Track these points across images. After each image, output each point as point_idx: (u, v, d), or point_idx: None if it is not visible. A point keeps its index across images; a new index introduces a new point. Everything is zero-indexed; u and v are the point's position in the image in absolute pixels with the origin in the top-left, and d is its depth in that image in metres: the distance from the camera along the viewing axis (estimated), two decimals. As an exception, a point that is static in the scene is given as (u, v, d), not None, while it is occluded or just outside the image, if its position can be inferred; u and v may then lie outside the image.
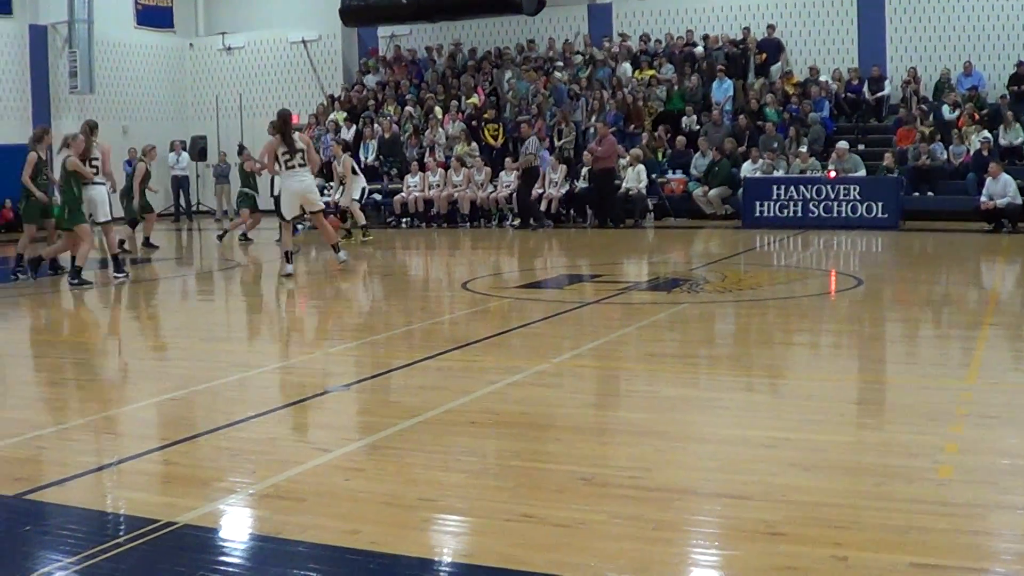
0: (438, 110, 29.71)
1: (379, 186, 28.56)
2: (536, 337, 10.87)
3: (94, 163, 17.16)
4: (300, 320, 13.77)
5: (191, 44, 37.61)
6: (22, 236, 18.09)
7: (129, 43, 35.62)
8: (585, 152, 25.73)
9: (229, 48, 36.72)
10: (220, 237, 24.38)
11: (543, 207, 25.57)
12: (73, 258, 16.44)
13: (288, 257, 16.70)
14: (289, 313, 14.40)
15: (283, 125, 16.63)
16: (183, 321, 13.91)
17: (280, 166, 16.55)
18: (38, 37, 32.91)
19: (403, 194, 27.49)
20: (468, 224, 26.56)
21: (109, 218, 17.26)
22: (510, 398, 8.04)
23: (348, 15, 31.86)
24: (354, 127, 30.48)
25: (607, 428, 7.37)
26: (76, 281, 16.17)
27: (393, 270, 18.92)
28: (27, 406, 8.71)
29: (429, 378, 8.93)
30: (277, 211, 17.20)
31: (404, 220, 27.38)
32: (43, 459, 6.94)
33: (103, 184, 17.48)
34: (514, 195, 26.06)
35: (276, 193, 17.85)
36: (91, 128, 17.57)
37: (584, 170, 25.74)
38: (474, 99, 29.74)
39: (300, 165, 16.57)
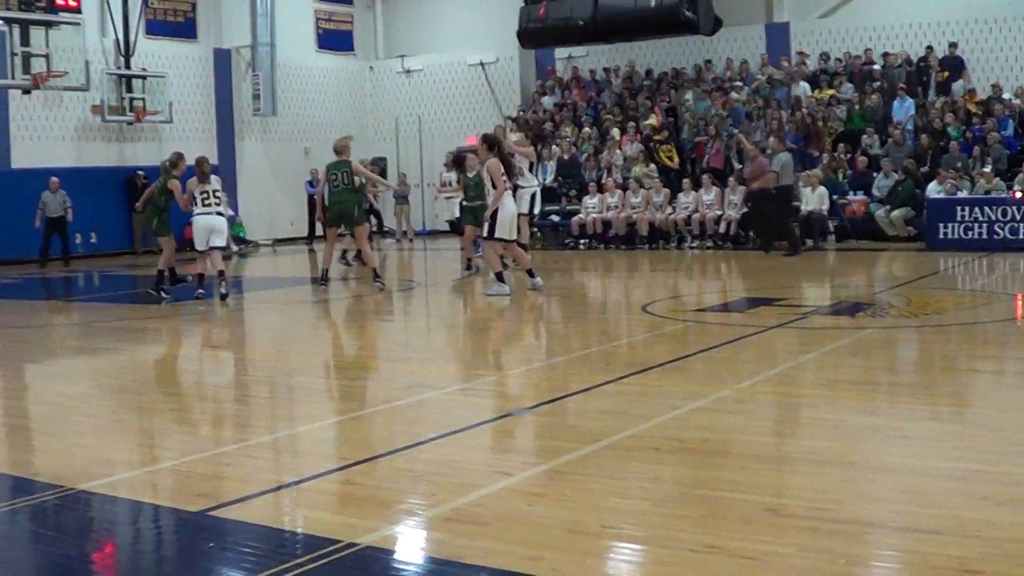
0: (615, 131, 29.67)
1: (557, 207, 28.63)
2: (717, 362, 10.73)
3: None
4: (480, 341, 13.82)
5: (371, 67, 38.21)
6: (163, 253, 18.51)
7: (310, 66, 36.33)
8: (736, 175, 25.65)
9: (408, 71, 37.22)
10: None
11: (721, 229, 25.38)
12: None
13: (501, 277, 16.71)
14: (465, 333, 14.49)
15: (500, 147, 16.79)
16: (363, 340, 14.09)
17: (506, 185, 16.62)
18: (222, 61, 33.77)
19: (581, 215, 27.51)
20: (647, 246, 26.43)
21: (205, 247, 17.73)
22: (692, 424, 7.93)
23: (526, 37, 32.01)
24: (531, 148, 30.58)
25: (790, 457, 7.20)
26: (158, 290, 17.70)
27: (571, 292, 18.91)
28: (210, 423, 8.90)
29: (609, 402, 8.86)
30: (490, 232, 16.98)
31: (582, 241, 27.38)
32: (226, 476, 7.06)
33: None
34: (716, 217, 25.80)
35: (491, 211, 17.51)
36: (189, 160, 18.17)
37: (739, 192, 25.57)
38: (652, 120, 29.63)
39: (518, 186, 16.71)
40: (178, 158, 18.11)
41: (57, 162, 28.44)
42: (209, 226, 17.45)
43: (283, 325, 15.82)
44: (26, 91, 25.37)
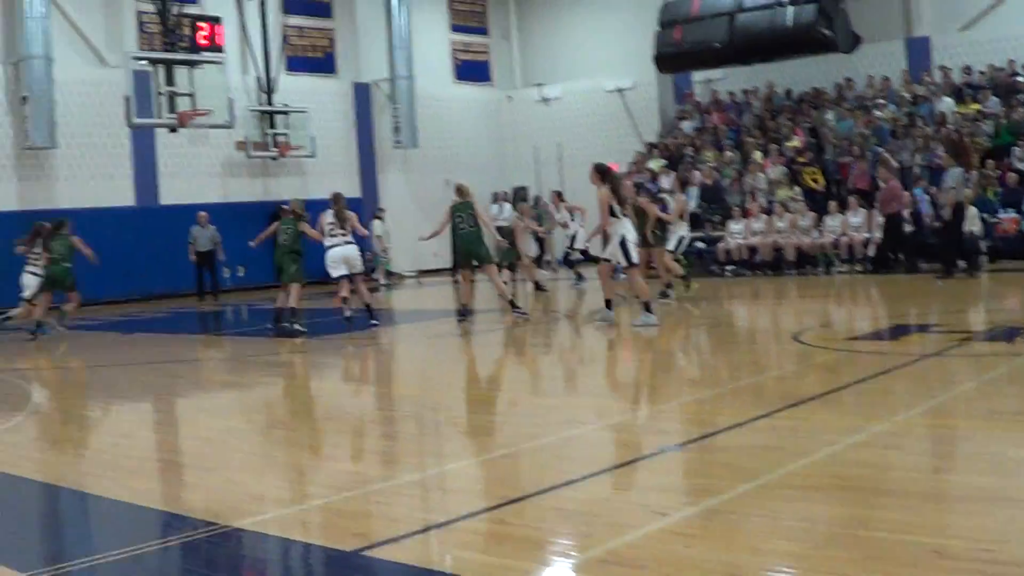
0: (758, 154, 29.37)
1: (701, 234, 28.40)
2: (872, 393, 10.43)
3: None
4: (629, 374, 13.70)
5: (509, 96, 38.40)
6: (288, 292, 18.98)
7: (449, 97, 36.63)
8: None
9: (546, 99, 37.31)
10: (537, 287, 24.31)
11: (870, 252, 24.95)
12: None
13: (648, 307, 16.66)
14: (612, 367, 14.39)
15: (613, 178, 16.77)
16: (510, 373, 14.04)
17: (617, 215, 16.60)
18: (362, 95, 34.21)
19: (726, 241, 27.25)
20: (794, 271, 26.09)
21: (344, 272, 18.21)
22: (850, 460, 7.70)
23: (663, 62, 31.84)
24: (672, 174, 30.44)
25: (952, 494, 6.91)
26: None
27: (719, 321, 18.70)
28: (359, 459, 8.90)
29: (763, 438, 8.66)
30: (626, 258, 16.98)
31: (728, 268, 27.10)
32: (376, 514, 7.07)
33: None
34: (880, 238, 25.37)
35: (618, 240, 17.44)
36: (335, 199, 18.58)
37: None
38: (794, 141, 29.28)
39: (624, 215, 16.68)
40: (302, 206, 19.12)
41: (204, 198, 29.01)
42: (342, 256, 17.71)
43: (429, 358, 15.86)
44: (172, 129, 25.89)
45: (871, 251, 25.05)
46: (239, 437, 10.14)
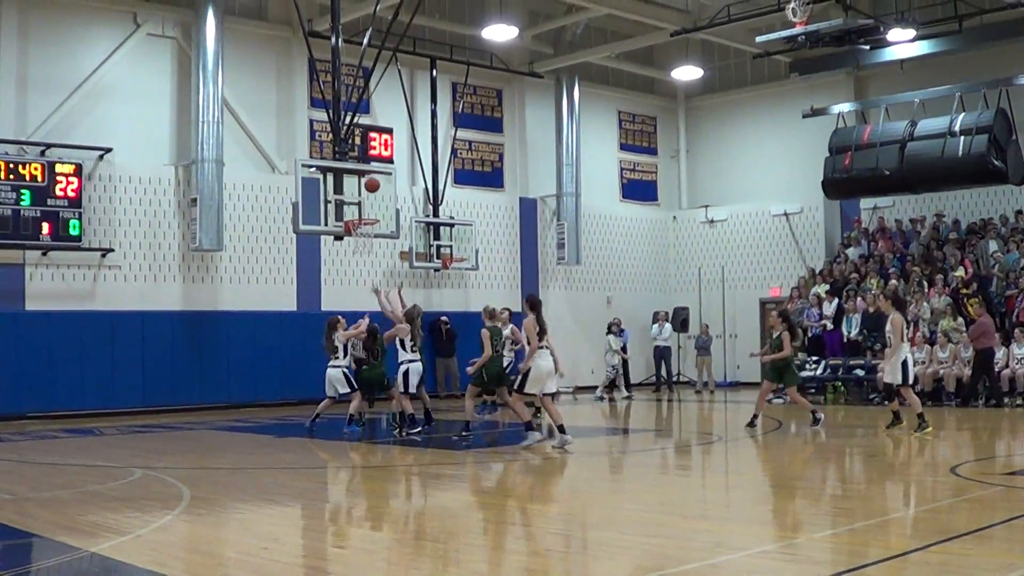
0: (926, 283, 28.97)
1: (862, 361, 28.06)
2: (1029, 531, 10.21)
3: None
4: (781, 500, 13.50)
5: (674, 217, 38.52)
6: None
7: (614, 215, 36.87)
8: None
9: (712, 220, 37.34)
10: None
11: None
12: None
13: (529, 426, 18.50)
14: (765, 492, 14.21)
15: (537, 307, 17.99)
16: (659, 495, 13.93)
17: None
18: (528, 209, 34.57)
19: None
20: (953, 402, 25.52)
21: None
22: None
23: (831, 187, 31.76)
24: (836, 301, 30.16)
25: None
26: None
27: (876, 451, 18.38)
28: (508, 575, 8.90)
29: (917, 571, 8.45)
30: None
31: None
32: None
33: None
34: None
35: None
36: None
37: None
38: (960, 272, 28.84)
39: None
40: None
41: (365, 307, 29.37)
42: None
43: (582, 476, 15.81)
44: (338, 237, 26.31)
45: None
46: (388, 547, 10.20)
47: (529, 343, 17.86)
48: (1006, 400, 25.01)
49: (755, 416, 20.40)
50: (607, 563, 9.32)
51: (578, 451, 17.73)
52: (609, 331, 32.00)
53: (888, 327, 19.21)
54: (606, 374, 31.76)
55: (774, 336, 20.67)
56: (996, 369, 25.20)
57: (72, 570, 9.26)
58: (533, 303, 17.99)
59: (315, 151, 29.75)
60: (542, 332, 17.82)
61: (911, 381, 19.39)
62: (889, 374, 19.26)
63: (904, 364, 19.11)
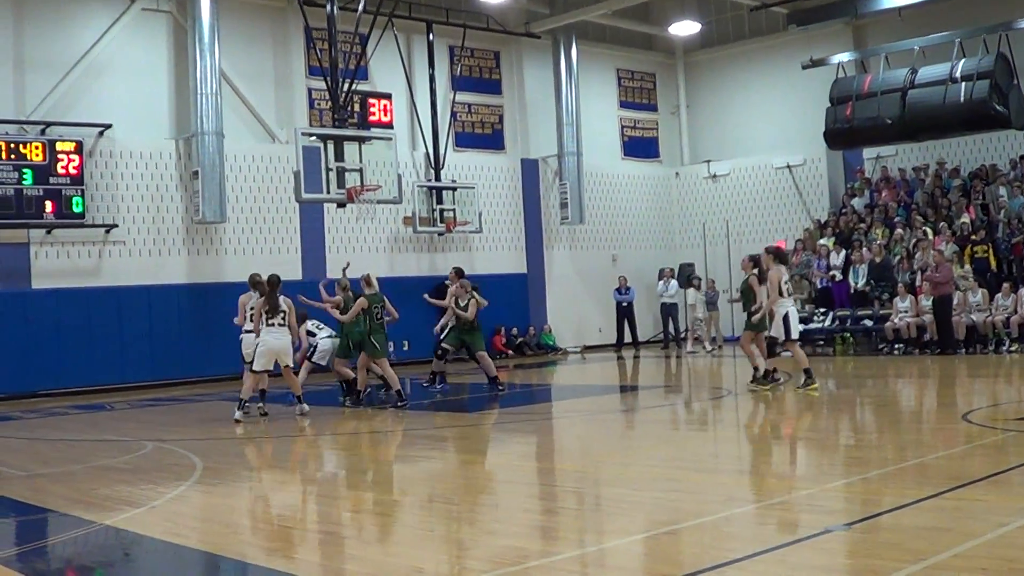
0: (928, 231, 28.90)
1: (869, 311, 28.05)
2: (1044, 474, 10.20)
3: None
4: (789, 452, 13.51)
5: (676, 173, 38.39)
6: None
7: (616, 173, 36.74)
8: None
9: (714, 175, 37.21)
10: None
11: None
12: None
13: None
14: (777, 444, 14.22)
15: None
16: (672, 450, 13.93)
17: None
18: (529, 170, 34.45)
19: (894, 320, 26.79)
20: (963, 350, 25.52)
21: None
22: (1019, 543, 7.49)
23: (832, 138, 31.63)
24: (844, 252, 30.09)
25: None
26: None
27: (885, 400, 18.38)
28: (519, 534, 8.89)
29: (930, 519, 8.45)
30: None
31: (896, 347, 26.63)
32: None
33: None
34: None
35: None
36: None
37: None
38: (965, 219, 28.75)
39: None
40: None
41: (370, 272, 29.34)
42: None
43: (594, 434, 15.81)
44: (341, 205, 26.30)
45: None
46: (401, 510, 10.22)
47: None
48: (1014, 347, 24.99)
49: (758, 369, 19.45)
50: (621, 519, 9.33)
51: (589, 409, 17.73)
52: (689, 285, 31.85)
53: (767, 283, 18.90)
54: (691, 328, 31.64)
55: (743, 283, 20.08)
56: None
57: (88, 543, 9.28)
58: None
59: (315, 119, 29.64)
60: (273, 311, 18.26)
61: (794, 336, 18.92)
62: (774, 329, 18.82)
63: (786, 319, 18.71)
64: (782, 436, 14.82)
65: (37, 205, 24.62)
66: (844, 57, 32.43)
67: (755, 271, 19.42)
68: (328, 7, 25.24)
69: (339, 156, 24.58)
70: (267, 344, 18.09)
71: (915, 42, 30.49)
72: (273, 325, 18.19)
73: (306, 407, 18.20)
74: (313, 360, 21.00)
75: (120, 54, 26.83)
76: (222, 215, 26.90)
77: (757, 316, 18.96)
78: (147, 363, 25.98)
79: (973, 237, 27.79)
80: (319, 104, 29.66)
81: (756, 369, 19.36)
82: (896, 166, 33.34)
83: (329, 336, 21.31)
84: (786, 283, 19.02)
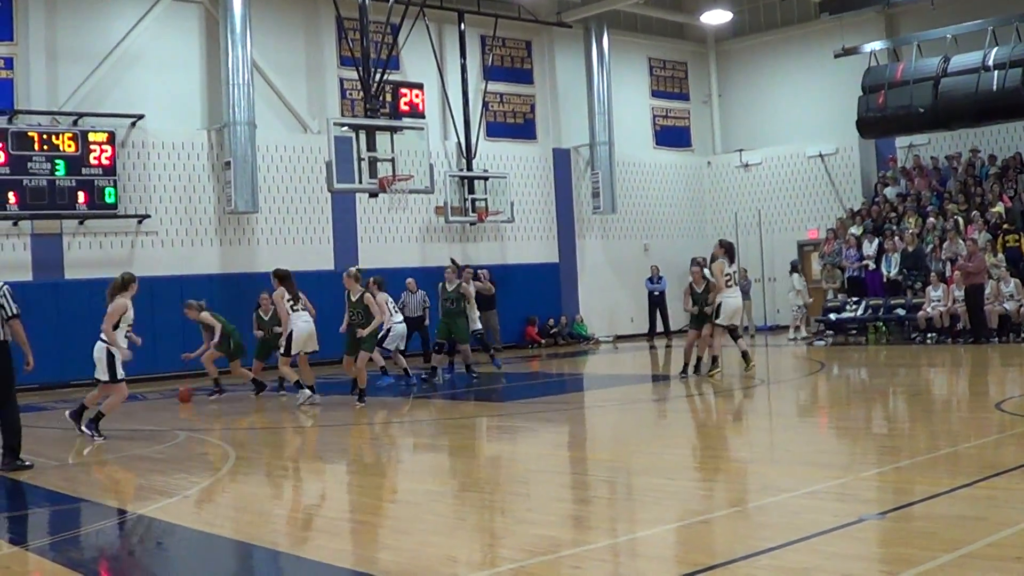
0: (960, 220, 28.75)
1: (902, 300, 27.93)
2: (1079, 463, 10.13)
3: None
4: (827, 441, 13.47)
5: (708, 162, 38.32)
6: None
7: (648, 163, 36.69)
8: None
9: (747, 164, 37.14)
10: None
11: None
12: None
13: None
14: (810, 433, 14.17)
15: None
16: (707, 439, 13.92)
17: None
18: (561, 160, 34.46)
19: (926, 309, 26.64)
20: (996, 339, 25.37)
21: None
22: (1056, 532, 7.49)
23: (865, 127, 31.51)
24: (877, 241, 29.96)
25: None
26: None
27: (919, 389, 18.31)
28: (553, 523, 8.88)
29: (964, 508, 8.42)
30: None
31: (929, 335, 26.48)
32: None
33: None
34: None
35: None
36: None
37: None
38: (999, 208, 28.58)
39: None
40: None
41: (402, 262, 29.40)
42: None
43: (626, 423, 15.80)
44: (373, 195, 26.33)
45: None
46: (435, 499, 10.22)
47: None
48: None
49: (716, 360, 20.57)
50: (655, 508, 9.31)
51: (622, 398, 17.71)
52: (793, 270, 31.63)
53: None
54: (793, 315, 31.52)
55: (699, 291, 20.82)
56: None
57: (122, 533, 9.32)
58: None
59: (346, 110, 29.70)
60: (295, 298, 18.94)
61: (722, 322, 20.28)
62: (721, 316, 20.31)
63: (719, 306, 20.21)
64: (815, 425, 14.77)
65: (70, 196, 24.76)
66: (876, 45, 32.32)
67: (704, 283, 20.69)
68: (359, -3, 25.26)
69: (371, 146, 24.62)
70: (300, 329, 18.80)
71: (948, 30, 30.37)
72: (298, 311, 18.99)
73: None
74: (383, 345, 21.08)
75: (152, 45, 26.93)
76: (254, 205, 27.00)
77: (709, 308, 20.29)
78: (179, 353, 26.04)
79: (1005, 226, 27.63)
80: (351, 94, 29.71)
81: (715, 359, 20.40)
82: (928, 155, 33.21)
83: (401, 322, 21.52)
84: (726, 274, 20.29)
